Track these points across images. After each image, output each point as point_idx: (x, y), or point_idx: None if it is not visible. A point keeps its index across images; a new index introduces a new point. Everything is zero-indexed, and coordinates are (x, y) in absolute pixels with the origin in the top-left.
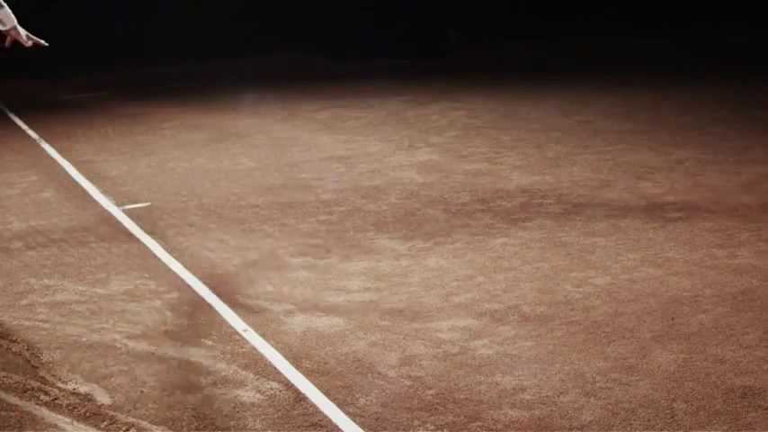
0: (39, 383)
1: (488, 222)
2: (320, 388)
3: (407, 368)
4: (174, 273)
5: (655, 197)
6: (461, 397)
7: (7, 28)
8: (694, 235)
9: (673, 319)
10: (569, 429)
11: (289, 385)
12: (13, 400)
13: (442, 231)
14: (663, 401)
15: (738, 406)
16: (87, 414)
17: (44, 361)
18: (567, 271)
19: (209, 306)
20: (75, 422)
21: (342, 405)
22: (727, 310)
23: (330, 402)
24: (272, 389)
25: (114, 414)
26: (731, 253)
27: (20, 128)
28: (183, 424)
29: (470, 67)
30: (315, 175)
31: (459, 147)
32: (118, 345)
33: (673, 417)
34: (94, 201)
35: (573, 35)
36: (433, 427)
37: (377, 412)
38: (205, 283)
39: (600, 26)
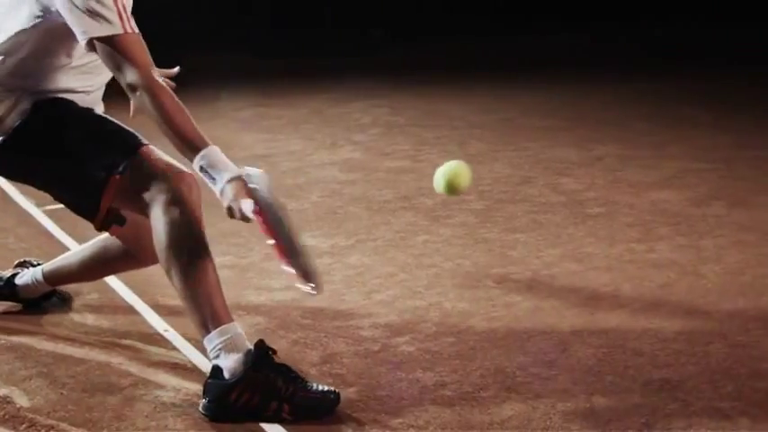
0: None
1: (410, 220)
2: None
3: (329, 366)
4: None
5: (575, 193)
6: (382, 394)
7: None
8: (614, 230)
9: (592, 313)
10: (490, 424)
11: None
12: None
13: (364, 229)
14: (582, 395)
15: (656, 398)
16: (6, 417)
17: None
18: (489, 267)
19: (130, 307)
20: None
21: None
22: (645, 304)
23: None
24: (193, 389)
25: (33, 416)
26: (650, 248)
27: None
28: (104, 425)
29: (395, 66)
30: None
31: (381, 144)
32: (37, 347)
33: (592, 410)
34: (14, 201)
35: (503, 32)
36: (354, 424)
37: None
38: (125, 284)
39: (534, 24)
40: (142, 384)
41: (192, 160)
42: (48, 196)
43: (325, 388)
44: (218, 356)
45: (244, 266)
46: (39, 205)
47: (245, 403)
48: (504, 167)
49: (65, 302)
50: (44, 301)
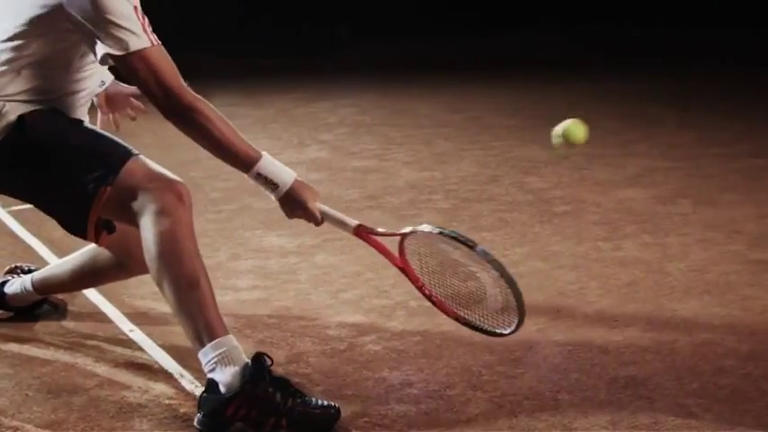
0: None
1: (377, 219)
2: None
3: (295, 365)
4: None
5: (542, 191)
6: (349, 393)
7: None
8: (580, 228)
9: (558, 311)
10: (456, 422)
11: (176, 385)
12: None
13: (330, 228)
14: (548, 393)
15: (622, 395)
16: None
17: None
18: (455, 266)
19: (95, 306)
20: None
21: None
22: (611, 302)
23: None
24: (158, 389)
25: None
26: (616, 245)
27: None
28: (69, 426)
29: (362, 65)
30: (204, 173)
31: (348, 144)
32: (3, 348)
33: (557, 407)
34: None
35: (472, 32)
36: None
37: None
38: None
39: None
40: (108, 385)
41: (246, 173)
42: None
43: (325, 402)
44: (213, 370)
45: (211, 266)
46: (4, 206)
47: (242, 418)
48: (470, 166)
49: (57, 310)
50: (36, 309)
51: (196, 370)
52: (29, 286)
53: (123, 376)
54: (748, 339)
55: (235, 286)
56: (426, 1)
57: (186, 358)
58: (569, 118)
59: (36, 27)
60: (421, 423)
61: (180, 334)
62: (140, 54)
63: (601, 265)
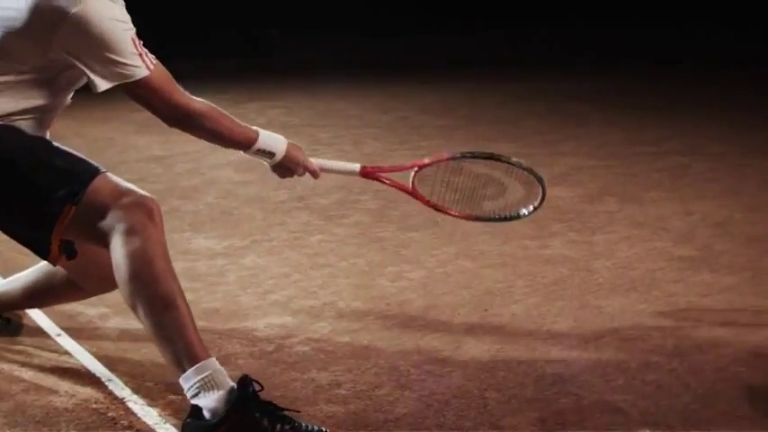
0: None
1: (305, 220)
2: (135, 391)
3: (224, 367)
4: None
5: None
6: (277, 394)
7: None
8: (508, 227)
9: (486, 310)
10: (384, 422)
11: (104, 389)
12: None
13: (259, 230)
14: (476, 391)
15: (549, 393)
16: None
17: None
18: (383, 266)
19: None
20: None
21: (156, 407)
22: (538, 300)
23: (145, 405)
24: (86, 393)
25: None
26: (543, 244)
27: None
28: None
29: (290, 66)
30: (132, 176)
31: None
32: None
33: (485, 406)
34: None
35: (401, 32)
36: None
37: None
38: None
39: (431, 23)
40: (34, 390)
41: (246, 151)
42: None
43: (315, 427)
44: (196, 395)
45: None
46: None
47: None
48: None
49: (10, 326)
50: None
51: (124, 374)
52: None
53: (50, 381)
54: (673, 335)
55: None
56: (355, 2)
57: (115, 363)
58: (497, 117)
59: (19, 55)
60: (349, 423)
61: (108, 338)
62: (140, 82)
63: (528, 264)
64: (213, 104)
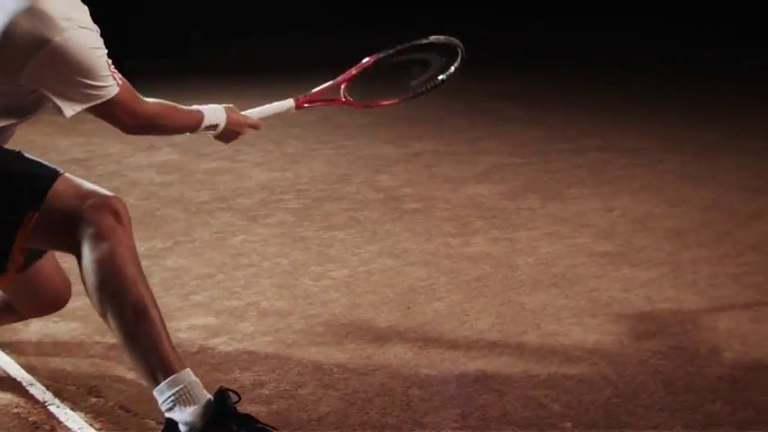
0: None
1: (228, 220)
2: (57, 395)
3: None
4: None
5: (392, 189)
6: None
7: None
8: (431, 225)
9: (409, 307)
10: (308, 421)
11: (24, 393)
12: None
13: (181, 231)
14: (399, 389)
15: (471, 389)
16: None
17: None
18: (306, 265)
19: None
20: None
21: (78, 410)
22: (461, 297)
23: (67, 409)
24: (6, 398)
25: None
26: (466, 241)
27: None
28: None
29: (212, 66)
30: None
31: (199, 146)
32: None
33: (408, 403)
34: None
35: (323, 30)
36: None
37: (116, 415)
38: None
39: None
40: None
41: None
42: None
43: None
44: (171, 409)
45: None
46: None
47: None
48: (322, 166)
49: None
50: None
51: (46, 378)
52: None
53: None
54: (595, 330)
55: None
56: (278, 0)
57: (36, 367)
58: (421, 116)
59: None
60: (272, 423)
61: (29, 342)
62: (111, 100)
63: (450, 261)
64: (161, 100)
